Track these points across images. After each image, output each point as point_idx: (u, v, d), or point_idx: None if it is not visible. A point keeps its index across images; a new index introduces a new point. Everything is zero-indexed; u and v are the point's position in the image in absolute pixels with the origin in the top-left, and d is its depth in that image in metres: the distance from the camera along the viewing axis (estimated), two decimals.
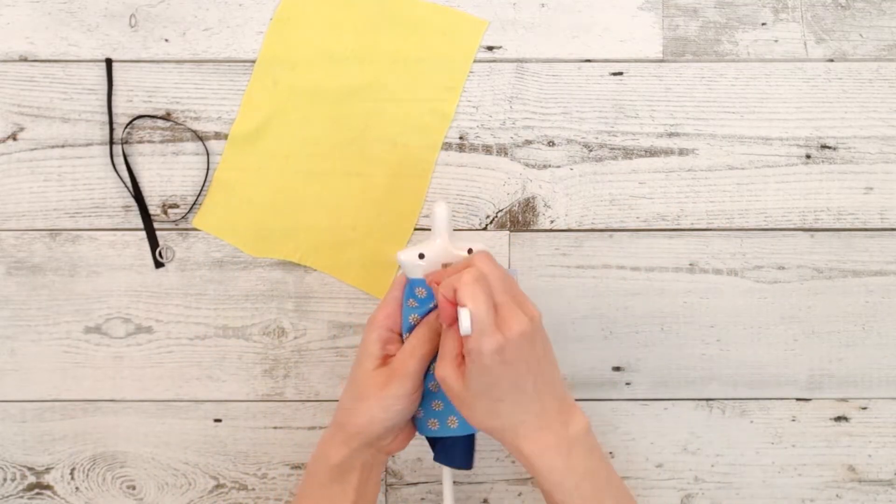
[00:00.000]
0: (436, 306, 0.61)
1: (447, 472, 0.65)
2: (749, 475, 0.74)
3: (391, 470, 0.74)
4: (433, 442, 0.64)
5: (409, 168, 0.74)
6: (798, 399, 0.74)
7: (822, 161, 0.74)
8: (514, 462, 0.74)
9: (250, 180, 0.74)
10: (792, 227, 0.74)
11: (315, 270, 0.74)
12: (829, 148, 0.74)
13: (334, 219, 0.74)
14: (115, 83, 0.73)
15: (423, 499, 0.74)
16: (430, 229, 0.63)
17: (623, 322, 0.74)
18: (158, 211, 0.73)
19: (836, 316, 0.74)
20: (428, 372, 0.62)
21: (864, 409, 0.74)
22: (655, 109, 0.74)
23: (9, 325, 0.73)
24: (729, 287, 0.74)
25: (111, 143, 0.73)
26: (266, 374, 0.74)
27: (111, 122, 0.73)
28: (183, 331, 0.73)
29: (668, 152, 0.74)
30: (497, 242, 0.74)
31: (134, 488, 0.74)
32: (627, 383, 0.74)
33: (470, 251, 0.62)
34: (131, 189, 0.73)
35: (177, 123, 0.73)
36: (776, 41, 0.74)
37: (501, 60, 0.74)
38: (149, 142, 0.73)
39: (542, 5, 0.74)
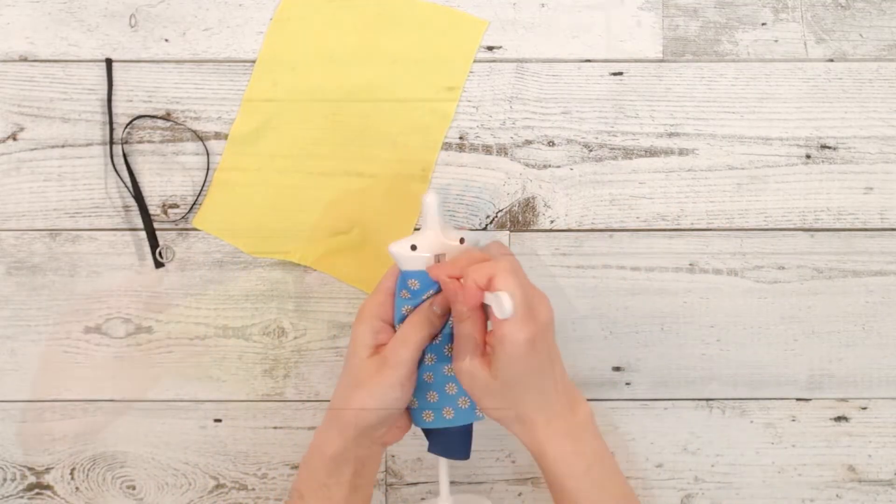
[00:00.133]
0: (427, 298, 0.62)
1: (443, 464, 0.65)
2: (749, 475, 0.74)
3: (391, 470, 0.74)
4: (428, 433, 0.65)
5: (409, 168, 0.74)
6: (798, 399, 0.74)
7: (822, 161, 0.74)
8: (514, 462, 0.74)
9: (250, 180, 0.74)
10: (792, 227, 0.74)
11: (315, 270, 0.74)
12: (829, 148, 0.74)
13: (334, 219, 0.74)
14: (115, 83, 0.73)
15: (422, 499, 0.74)
16: None
17: (623, 322, 0.74)
18: (158, 211, 0.74)
19: (836, 316, 0.74)
20: (422, 363, 0.62)
21: (864, 409, 0.74)
22: (655, 109, 0.74)
23: (8, 324, 0.73)
24: (729, 287, 0.74)
25: (111, 143, 0.73)
26: (266, 374, 0.74)
27: (111, 122, 0.73)
28: (183, 331, 0.74)
29: (668, 152, 0.74)
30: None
31: (134, 488, 0.74)
32: (627, 383, 0.74)
33: (462, 241, 0.63)
34: (131, 189, 0.73)
35: (177, 123, 0.74)
36: (776, 41, 0.75)
37: (501, 60, 0.74)
38: (149, 142, 0.74)
39: (542, 5, 0.75)
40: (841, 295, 0.74)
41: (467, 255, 0.61)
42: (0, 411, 0.73)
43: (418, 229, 0.73)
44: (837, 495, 0.74)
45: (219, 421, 0.74)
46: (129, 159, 0.73)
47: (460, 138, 0.74)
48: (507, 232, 0.74)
